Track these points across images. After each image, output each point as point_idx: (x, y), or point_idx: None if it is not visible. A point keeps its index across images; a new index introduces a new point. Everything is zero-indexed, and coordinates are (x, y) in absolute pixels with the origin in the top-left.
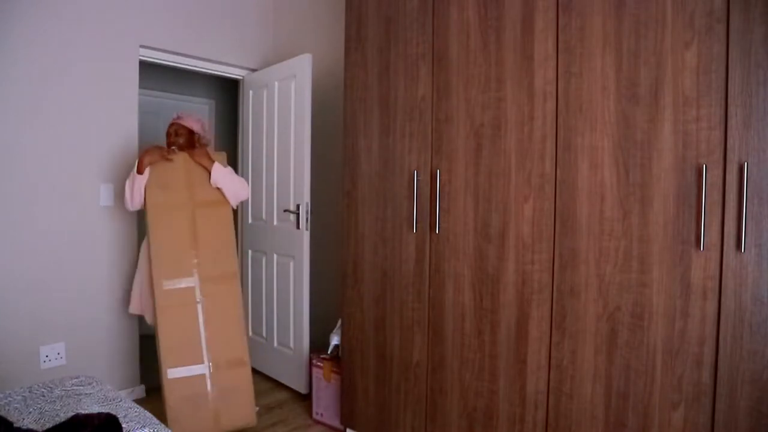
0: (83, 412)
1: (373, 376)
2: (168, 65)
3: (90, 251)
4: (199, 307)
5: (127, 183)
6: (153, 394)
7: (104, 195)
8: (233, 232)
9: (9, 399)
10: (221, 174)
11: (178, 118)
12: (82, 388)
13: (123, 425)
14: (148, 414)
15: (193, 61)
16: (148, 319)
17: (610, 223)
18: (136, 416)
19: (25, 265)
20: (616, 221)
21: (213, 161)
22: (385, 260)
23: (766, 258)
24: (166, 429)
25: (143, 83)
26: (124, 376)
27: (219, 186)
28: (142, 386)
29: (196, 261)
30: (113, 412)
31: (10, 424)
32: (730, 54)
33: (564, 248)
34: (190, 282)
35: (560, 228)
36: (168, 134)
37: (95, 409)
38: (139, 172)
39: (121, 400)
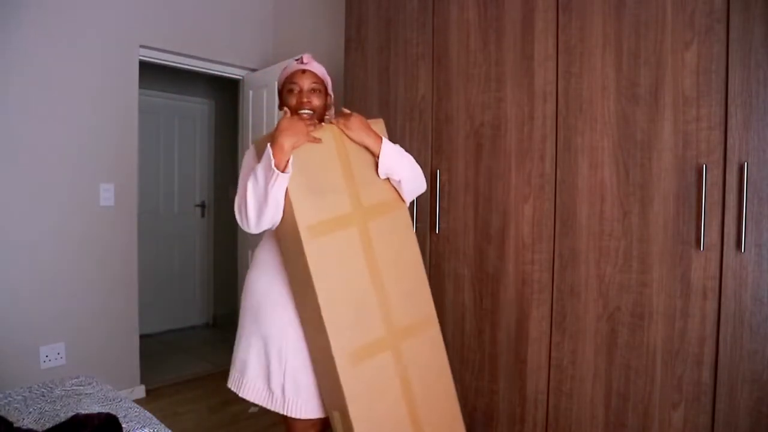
0: (83, 412)
1: None
2: (168, 65)
3: (90, 251)
4: (398, 382)
5: (249, 189)
6: (153, 394)
7: (104, 195)
8: (418, 246)
9: (9, 399)
10: (396, 157)
11: (308, 62)
12: (82, 388)
13: (123, 425)
14: (148, 414)
15: (193, 61)
16: (303, 413)
17: (610, 223)
18: (136, 416)
19: (25, 265)
20: (616, 221)
21: (379, 137)
22: None
23: (766, 258)
24: (167, 429)
25: (143, 83)
26: (124, 376)
27: (392, 176)
28: (142, 386)
29: (382, 311)
30: (113, 412)
31: (10, 424)
32: (730, 54)
33: (564, 248)
34: (382, 348)
35: (560, 228)
36: (296, 91)
37: (95, 409)
38: (280, 166)
39: (121, 400)
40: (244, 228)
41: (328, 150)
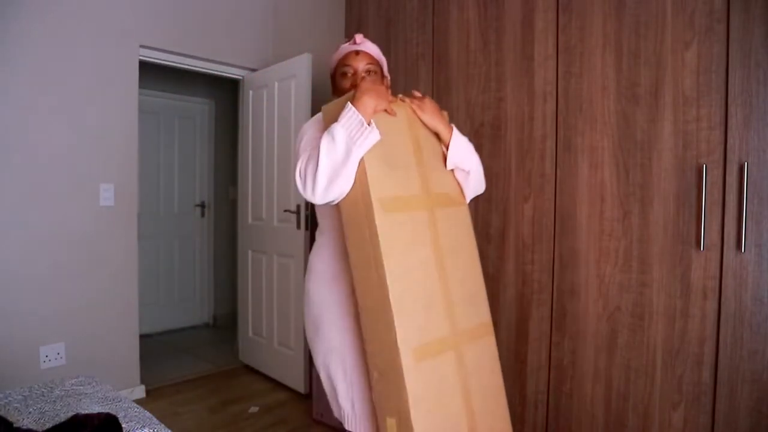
0: (83, 412)
1: None
2: (168, 65)
3: (89, 251)
4: (460, 389)
5: (323, 151)
6: (153, 394)
7: (104, 195)
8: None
9: (9, 399)
10: (467, 148)
11: (361, 42)
12: (81, 388)
13: (123, 425)
14: (148, 414)
15: (193, 61)
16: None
17: (610, 223)
18: (136, 416)
19: (25, 265)
20: (616, 221)
21: (450, 125)
22: None
23: (766, 258)
24: (167, 429)
25: (143, 83)
26: (124, 376)
27: (462, 167)
28: (142, 386)
29: (446, 307)
30: (113, 412)
31: (10, 424)
32: (730, 54)
33: (564, 248)
34: (445, 348)
35: (560, 228)
36: (350, 73)
37: (95, 409)
38: (366, 118)
39: (121, 400)
40: (309, 197)
41: (401, 126)
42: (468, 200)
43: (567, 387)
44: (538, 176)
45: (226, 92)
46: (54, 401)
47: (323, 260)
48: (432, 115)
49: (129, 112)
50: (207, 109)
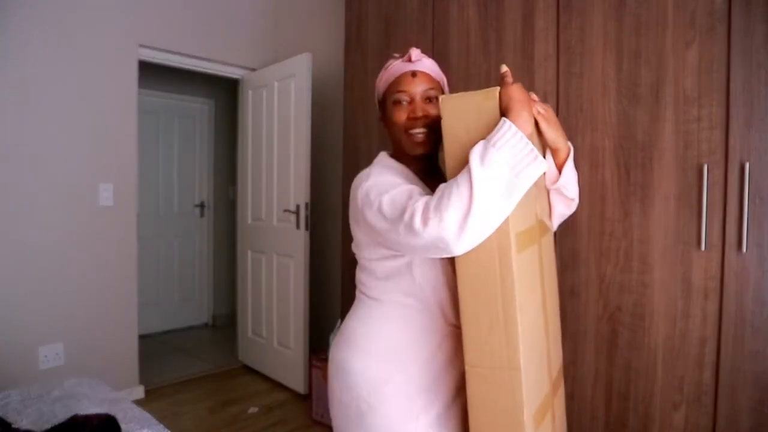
0: (82, 412)
1: None
2: (167, 65)
3: (89, 251)
4: None
5: (476, 181)
6: (152, 394)
7: (103, 195)
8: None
9: (7, 400)
10: (573, 168)
11: (417, 59)
12: (80, 388)
13: (122, 426)
14: (147, 415)
15: (192, 60)
16: None
17: (610, 223)
18: (135, 417)
19: (24, 265)
20: (616, 221)
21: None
22: None
23: None
24: (166, 430)
25: (142, 82)
26: (123, 377)
27: (568, 190)
28: (142, 387)
29: (548, 357)
30: (112, 413)
31: (9, 425)
32: (731, 53)
33: (564, 248)
34: (547, 408)
35: (561, 228)
36: (406, 102)
37: (94, 409)
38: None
39: (120, 401)
40: (447, 245)
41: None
42: (554, 228)
43: (568, 387)
44: None
45: (225, 92)
46: (53, 402)
47: (386, 334)
48: (557, 129)
49: (128, 112)
50: (206, 109)
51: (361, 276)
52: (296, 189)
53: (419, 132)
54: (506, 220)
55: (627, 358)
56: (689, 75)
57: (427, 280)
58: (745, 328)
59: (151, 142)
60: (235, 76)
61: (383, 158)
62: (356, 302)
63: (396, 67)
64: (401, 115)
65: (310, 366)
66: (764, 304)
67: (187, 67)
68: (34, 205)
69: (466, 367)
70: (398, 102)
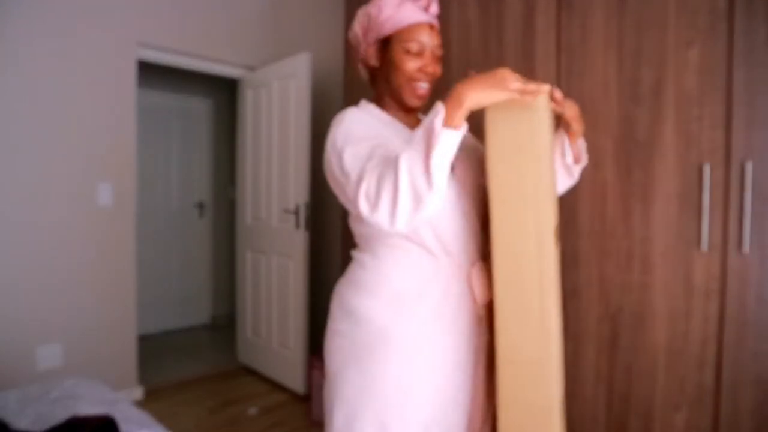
0: (81, 413)
1: None
2: (166, 64)
3: (88, 251)
4: None
5: (400, 165)
6: (151, 395)
7: (102, 195)
8: None
9: (5, 401)
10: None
11: (435, 12)
12: (79, 389)
13: (121, 427)
14: (147, 415)
15: (191, 60)
16: None
17: (611, 224)
18: (134, 418)
19: (22, 265)
20: (617, 221)
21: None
22: None
23: None
24: (165, 430)
25: (141, 81)
26: (123, 377)
27: (582, 159)
28: (141, 387)
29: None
30: (111, 414)
31: (7, 426)
32: (733, 53)
33: (565, 248)
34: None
35: (562, 228)
36: (415, 51)
37: (93, 410)
38: (452, 123)
39: (119, 402)
40: (383, 223)
41: (541, 129)
42: None
43: (568, 388)
44: None
45: (225, 91)
46: (51, 403)
47: (400, 277)
48: (581, 121)
49: (127, 111)
50: (206, 108)
51: (354, 226)
52: (296, 189)
53: (424, 85)
54: (547, 213)
55: (628, 358)
56: (690, 74)
57: None
58: (746, 329)
59: (149, 142)
60: (234, 76)
61: (365, 105)
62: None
63: (410, 10)
64: (412, 65)
65: (310, 366)
66: (766, 304)
67: (186, 66)
68: (32, 204)
69: (498, 363)
70: (409, 51)
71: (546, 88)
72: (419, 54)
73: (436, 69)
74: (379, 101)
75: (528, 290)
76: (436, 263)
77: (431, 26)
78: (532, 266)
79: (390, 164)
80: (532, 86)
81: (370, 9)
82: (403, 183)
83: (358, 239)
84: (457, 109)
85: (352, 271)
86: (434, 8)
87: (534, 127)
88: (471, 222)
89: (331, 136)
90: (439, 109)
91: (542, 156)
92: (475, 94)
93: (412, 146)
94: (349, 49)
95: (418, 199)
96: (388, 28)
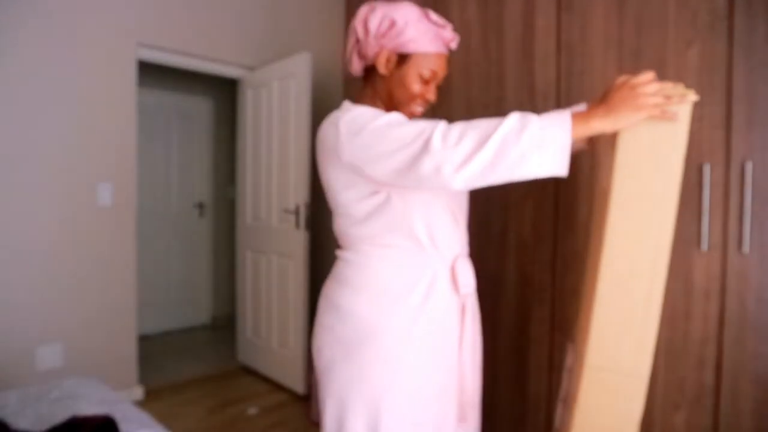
0: (81, 413)
1: None
2: (166, 64)
3: (87, 251)
4: None
5: (500, 126)
6: (151, 395)
7: (102, 195)
8: None
9: (5, 401)
10: None
11: (456, 46)
12: (79, 389)
13: (121, 427)
14: (147, 415)
15: (192, 60)
16: None
17: None
18: (134, 418)
19: (22, 265)
20: None
21: None
22: None
23: None
24: (165, 430)
25: (141, 81)
26: (122, 378)
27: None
28: (141, 387)
29: None
30: (111, 414)
31: (6, 426)
32: (733, 52)
33: (565, 248)
34: None
35: (561, 228)
36: (429, 78)
37: (93, 410)
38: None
39: (119, 402)
40: (448, 164)
41: (679, 144)
42: None
43: None
44: None
45: (225, 91)
46: (51, 403)
47: (387, 276)
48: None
49: (127, 111)
50: (206, 108)
51: (340, 226)
52: (296, 189)
53: (420, 109)
54: (670, 220)
55: None
56: (690, 74)
57: (408, 206)
58: (746, 329)
59: (149, 142)
60: (234, 76)
61: (354, 104)
62: (338, 259)
63: (436, 42)
64: (419, 88)
65: (310, 366)
66: (766, 304)
67: (186, 66)
68: (32, 204)
69: (585, 369)
70: (422, 76)
71: (692, 98)
72: (428, 80)
73: (434, 97)
74: (370, 99)
75: (635, 302)
76: (423, 257)
77: (447, 58)
78: (644, 280)
79: (480, 124)
80: (674, 98)
81: (394, 15)
82: (494, 139)
83: (342, 239)
84: (580, 131)
85: (338, 269)
86: (455, 44)
87: (674, 144)
88: (457, 218)
89: (341, 123)
90: (567, 118)
91: (678, 174)
92: (608, 124)
93: (521, 118)
94: (348, 35)
95: (493, 165)
96: (410, 48)
